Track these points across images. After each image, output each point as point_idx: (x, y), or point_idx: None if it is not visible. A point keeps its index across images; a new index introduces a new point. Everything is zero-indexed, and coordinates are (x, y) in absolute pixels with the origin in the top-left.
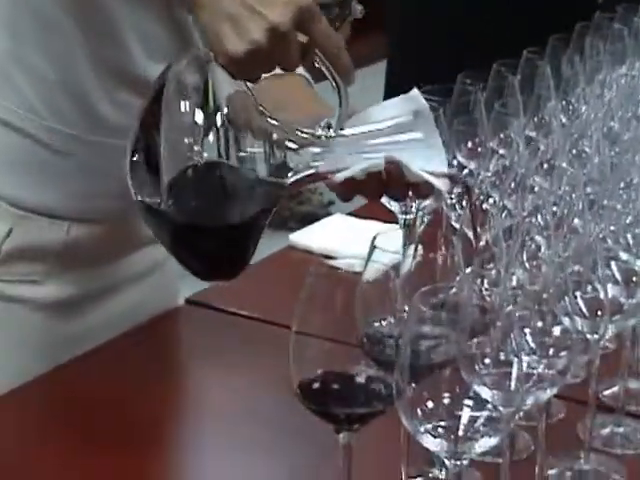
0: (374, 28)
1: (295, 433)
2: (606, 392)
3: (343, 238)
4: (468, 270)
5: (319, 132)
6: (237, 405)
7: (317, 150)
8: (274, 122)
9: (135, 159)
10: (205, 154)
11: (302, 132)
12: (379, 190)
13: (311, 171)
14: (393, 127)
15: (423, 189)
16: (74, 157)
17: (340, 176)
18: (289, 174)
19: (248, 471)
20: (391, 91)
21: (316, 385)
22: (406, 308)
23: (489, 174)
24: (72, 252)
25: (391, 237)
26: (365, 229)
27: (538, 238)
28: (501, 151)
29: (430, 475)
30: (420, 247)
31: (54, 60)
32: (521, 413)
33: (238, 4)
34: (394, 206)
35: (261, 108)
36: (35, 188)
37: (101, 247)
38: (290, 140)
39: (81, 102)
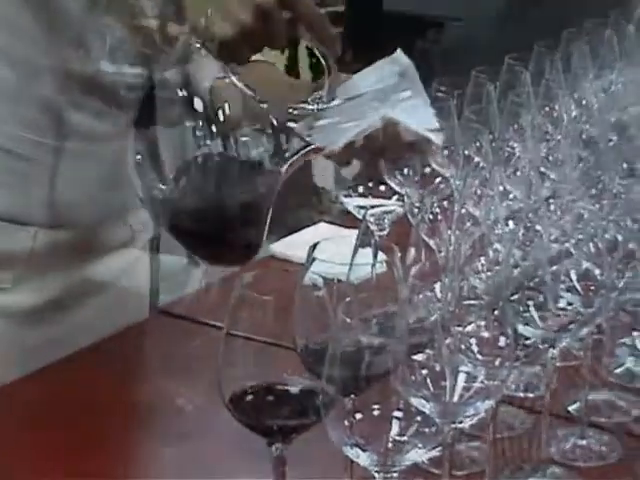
0: None
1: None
2: (575, 405)
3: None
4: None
5: (310, 106)
6: (202, 418)
7: (312, 124)
8: (264, 105)
9: (138, 158)
10: (202, 146)
11: (294, 109)
12: (379, 151)
13: (310, 147)
14: (381, 90)
15: (419, 147)
16: (42, 164)
17: (340, 143)
18: (287, 154)
19: None
20: None
21: (247, 398)
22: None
23: (460, 182)
24: (40, 259)
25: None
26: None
27: (499, 247)
28: (476, 159)
29: None
30: (380, 254)
31: (17, 67)
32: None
33: None
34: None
35: (250, 93)
36: (2, 195)
37: (69, 253)
38: (285, 119)
39: (48, 110)
